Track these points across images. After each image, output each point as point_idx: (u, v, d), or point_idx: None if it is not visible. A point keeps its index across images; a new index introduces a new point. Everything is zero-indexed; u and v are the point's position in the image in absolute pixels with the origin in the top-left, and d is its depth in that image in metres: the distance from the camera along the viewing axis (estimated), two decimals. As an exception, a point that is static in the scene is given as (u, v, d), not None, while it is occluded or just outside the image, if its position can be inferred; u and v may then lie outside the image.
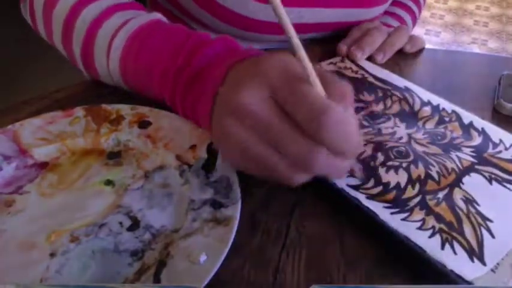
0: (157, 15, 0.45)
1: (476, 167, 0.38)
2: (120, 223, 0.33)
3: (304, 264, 0.32)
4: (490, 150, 0.40)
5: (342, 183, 0.35)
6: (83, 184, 0.36)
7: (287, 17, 0.28)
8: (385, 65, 0.54)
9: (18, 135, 0.39)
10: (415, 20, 0.73)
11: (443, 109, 0.45)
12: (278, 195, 0.37)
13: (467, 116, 0.44)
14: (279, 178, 0.31)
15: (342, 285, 0.30)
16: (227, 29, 0.56)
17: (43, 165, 0.38)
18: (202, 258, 0.29)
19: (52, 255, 0.31)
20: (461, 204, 0.34)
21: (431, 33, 2.47)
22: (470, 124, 0.43)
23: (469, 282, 0.29)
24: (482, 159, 0.39)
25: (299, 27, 0.55)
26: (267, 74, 0.30)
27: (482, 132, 0.42)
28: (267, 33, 0.57)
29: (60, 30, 0.46)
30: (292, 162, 0.30)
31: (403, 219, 0.33)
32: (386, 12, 0.69)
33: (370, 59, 0.55)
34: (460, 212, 0.34)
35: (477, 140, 0.41)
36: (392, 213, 0.33)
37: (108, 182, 0.36)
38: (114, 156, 0.39)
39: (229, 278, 0.30)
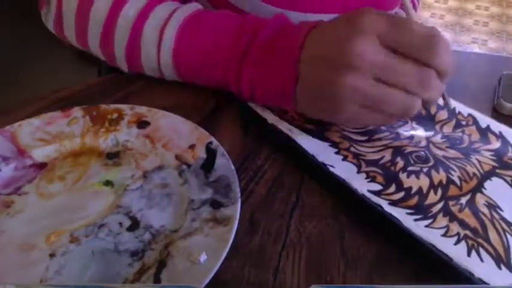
0: (199, 5, 0.46)
1: (498, 171, 0.37)
2: (120, 223, 0.33)
3: (304, 264, 0.32)
4: (510, 154, 0.39)
5: (363, 189, 0.35)
6: (82, 185, 0.36)
7: None
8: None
9: (17, 136, 0.39)
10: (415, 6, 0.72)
11: (460, 112, 0.44)
12: (278, 195, 0.37)
13: (483, 120, 0.43)
14: (400, 113, 0.36)
15: (342, 285, 0.30)
16: None
17: (42, 166, 0.38)
18: (203, 258, 0.29)
19: (52, 255, 0.31)
20: (485, 209, 0.34)
21: (431, 33, 2.47)
22: (488, 128, 0.42)
23: None
24: (503, 163, 0.38)
25: None
26: (367, 22, 0.34)
27: (500, 136, 0.41)
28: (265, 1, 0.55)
29: (100, 31, 0.45)
30: (414, 90, 0.35)
31: (427, 226, 0.32)
32: None
33: None
34: (484, 218, 0.33)
35: (496, 144, 0.40)
36: (416, 220, 0.32)
37: (107, 183, 0.36)
38: (113, 157, 0.39)
39: (229, 278, 0.30)
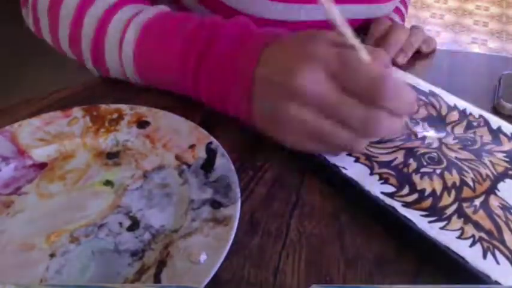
0: (165, 8, 0.45)
1: (511, 172, 0.37)
2: (120, 223, 0.33)
3: (304, 264, 0.32)
4: None
5: (377, 190, 0.35)
6: (82, 184, 0.36)
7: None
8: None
9: (17, 136, 0.39)
10: (403, 20, 0.74)
11: (471, 113, 0.44)
12: (278, 195, 0.37)
13: (495, 121, 0.43)
14: (344, 149, 0.36)
15: (342, 285, 0.30)
16: None
17: (42, 166, 0.38)
18: (203, 258, 0.29)
19: (52, 255, 0.31)
20: (499, 211, 0.34)
21: (431, 33, 2.47)
22: (499, 129, 0.42)
23: None
24: None
25: (320, 24, 0.52)
26: (318, 53, 0.33)
27: None
28: None
29: (67, 30, 0.46)
30: (357, 130, 0.33)
31: (442, 228, 0.32)
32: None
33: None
34: (499, 220, 0.33)
35: (508, 145, 0.40)
36: (430, 222, 0.32)
37: (107, 183, 0.36)
38: (113, 157, 0.39)
39: (229, 278, 0.30)
